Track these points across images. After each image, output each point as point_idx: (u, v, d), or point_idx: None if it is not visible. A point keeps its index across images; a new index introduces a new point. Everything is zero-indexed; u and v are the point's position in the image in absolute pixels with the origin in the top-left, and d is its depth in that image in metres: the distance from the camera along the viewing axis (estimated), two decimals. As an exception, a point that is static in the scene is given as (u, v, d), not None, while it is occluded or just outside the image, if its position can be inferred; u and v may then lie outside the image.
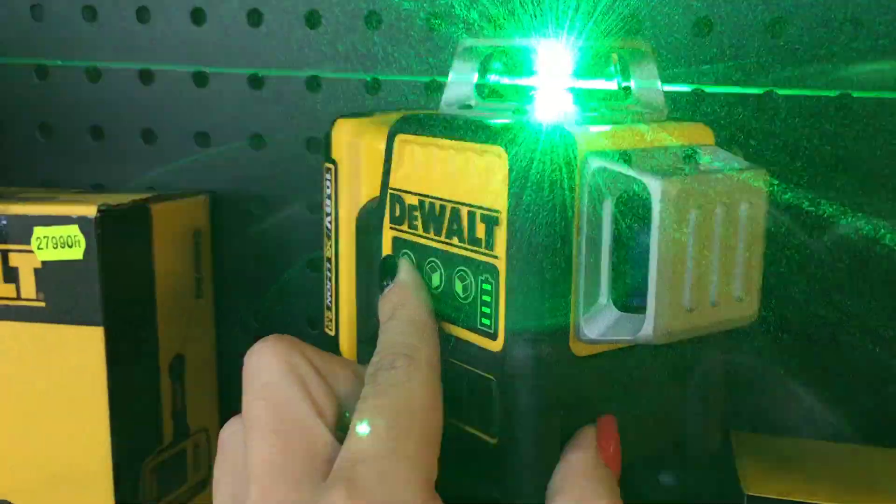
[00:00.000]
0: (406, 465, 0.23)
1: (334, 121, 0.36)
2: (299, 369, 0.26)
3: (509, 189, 0.26)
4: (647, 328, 0.25)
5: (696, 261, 0.25)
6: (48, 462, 0.43)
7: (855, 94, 0.41)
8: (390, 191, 0.32)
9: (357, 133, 0.35)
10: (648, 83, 0.30)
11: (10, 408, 0.43)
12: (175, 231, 0.46)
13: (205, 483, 0.50)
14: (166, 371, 0.46)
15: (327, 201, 0.37)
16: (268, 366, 0.26)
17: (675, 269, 0.25)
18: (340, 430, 0.25)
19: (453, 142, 0.28)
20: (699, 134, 0.29)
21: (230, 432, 0.27)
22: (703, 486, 0.46)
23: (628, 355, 0.28)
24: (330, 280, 0.37)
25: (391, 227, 0.32)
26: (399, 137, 0.31)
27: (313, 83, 0.48)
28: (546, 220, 0.26)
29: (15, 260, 0.42)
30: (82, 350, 0.42)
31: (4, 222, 0.41)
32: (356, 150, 0.35)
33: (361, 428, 0.24)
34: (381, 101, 0.47)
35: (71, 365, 0.42)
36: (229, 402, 0.52)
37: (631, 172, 0.25)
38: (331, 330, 0.37)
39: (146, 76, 0.50)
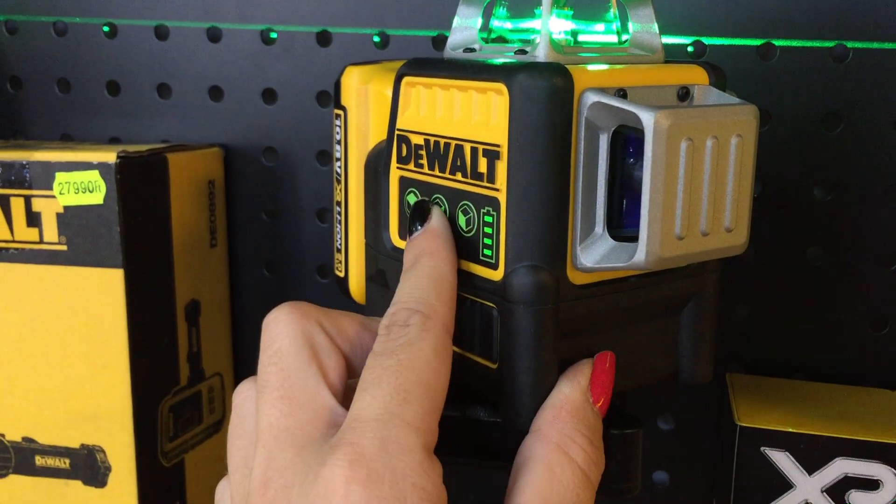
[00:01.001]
0: (407, 431, 0.23)
1: (344, 68, 0.37)
2: (311, 336, 0.27)
3: (509, 124, 0.27)
4: (640, 255, 0.26)
5: (687, 191, 0.26)
6: (70, 400, 0.45)
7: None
8: (397, 132, 0.33)
9: (366, 79, 0.37)
10: (645, 26, 0.31)
11: (33, 348, 0.45)
12: (190, 181, 0.48)
13: (219, 425, 0.52)
14: (182, 315, 0.48)
15: (337, 147, 0.38)
16: (281, 333, 0.27)
17: (667, 199, 0.26)
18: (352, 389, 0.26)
19: (457, 81, 0.30)
20: (694, 75, 0.30)
21: (243, 396, 0.28)
22: (700, 425, 0.48)
23: (625, 287, 0.29)
24: (340, 223, 0.39)
25: (398, 167, 0.33)
26: (405, 80, 0.33)
27: (324, 38, 0.49)
28: (544, 154, 0.27)
29: (38, 205, 0.43)
30: (102, 292, 0.43)
31: (27, 168, 0.43)
32: (365, 96, 0.37)
33: (368, 391, 0.24)
34: (389, 56, 0.49)
35: (92, 306, 0.44)
36: (243, 350, 0.54)
37: (625, 106, 0.26)
38: (340, 272, 0.39)
39: (161, 32, 0.52)
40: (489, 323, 0.29)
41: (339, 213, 0.39)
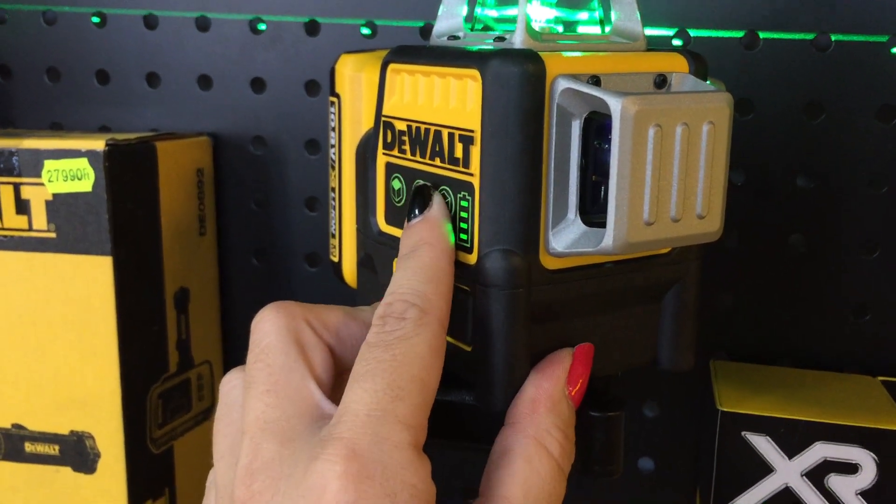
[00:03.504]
0: (399, 428, 0.24)
1: (338, 56, 0.37)
2: (297, 333, 0.27)
3: (482, 110, 0.28)
4: (608, 240, 0.26)
5: (656, 177, 0.27)
6: (59, 387, 0.45)
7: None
8: (383, 118, 0.33)
9: (359, 67, 0.37)
10: (627, 15, 0.31)
11: (23, 335, 0.45)
12: (179, 169, 0.48)
13: (208, 412, 0.52)
14: (171, 302, 0.48)
15: (332, 133, 0.38)
16: (268, 332, 0.27)
17: (634, 185, 0.26)
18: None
19: (436, 68, 0.30)
20: (674, 63, 0.30)
21: (230, 386, 0.28)
22: (685, 413, 0.49)
23: (599, 273, 0.30)
24: (335, 209, 0.39)
25: (384, 153, 0.34)
26: (391, 67, 0.33)
27: (312, 28, 0.50)
28: (516, 139, 0.27)
29: (27, 192, 0.43)
30: (92, 279, 0.44)
31: (16, 156, 0.43)
32: (358, 83, 0.37)
33: (360, 383, 0.24)
34: (377, 45, 0.49)
35: (81, 294, 0.44)
36: (232, 338, 0.54)
37: (594, 92, 0.26)
38: (335, 256, 0.40)
39: (151, 21, 0.52)
40: (464, 306, 0.29)
41: (334, 199, 0.39)
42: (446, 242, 0.28)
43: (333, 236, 0.39)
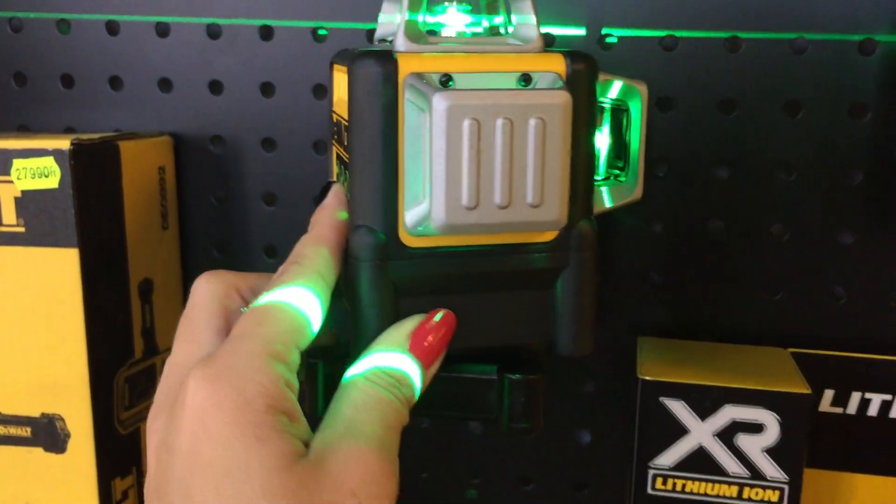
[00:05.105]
0: (256, 342, 0.29)
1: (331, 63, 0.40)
2: (225, 297, 0.33)
3: (349, 102, 0.32)
4: (432, 221, 0.30)
5: (473, 165, 0.30)
6: (31, 372, 0.48)
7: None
8: (332, 114, 0.37)
9: (339, 69, 0.41)
10: (524, 19, 0.34)
11: (-5, 324, 0.48)
12: (141, 167, 0.51)
13: (173, 397, 0.55)
14: (136, 292, 0.51)
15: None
16: (199, 294, 0.33)
17: (451, 172, 0.29)
18: None
19: (342, 67, 0.34)
20: (549, 63, 0.32)
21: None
22: (619, 387, 0.52)
23: (463, 254, 0.33)
24: None
25: (333, 144, 0.37)
26: (334, 67, 0.37)
27: (266, 32, 0.53)
28: (373, 128, 0.31)
29: (-4, 190, 0.46)
30: (60, 270, 0.46)
31: (-14, 156, 0.46)
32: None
33: (239, 321, 0.30)
34: (327, 49, 0.52)
35: (50, 284, 0.47)
36: (195, 326, 0.57)
37: (422, 88, 0.30)
38: None
39: (112, 27, 0.55)
40: (346, 277, 0.33)
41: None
42: (332, 219, 0.34)
43: None
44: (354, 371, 0.31)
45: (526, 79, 0.32)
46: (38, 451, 0.49)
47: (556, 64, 0.32)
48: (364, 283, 0.32)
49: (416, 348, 0.32)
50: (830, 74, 0.46)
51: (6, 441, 0.49)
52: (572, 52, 0.33)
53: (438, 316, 0.33)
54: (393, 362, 0.31)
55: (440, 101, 0.29)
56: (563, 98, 0.30)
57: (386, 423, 0.30)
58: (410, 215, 0.31)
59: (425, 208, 0.31)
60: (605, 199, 0.38)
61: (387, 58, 0.31)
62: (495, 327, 0.34)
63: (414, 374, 0.31)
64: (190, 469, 0.27)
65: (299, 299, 0.31)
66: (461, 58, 0.32)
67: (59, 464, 0.48)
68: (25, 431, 0.48)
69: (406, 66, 0.31)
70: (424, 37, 0.33)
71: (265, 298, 0.31)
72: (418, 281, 0.33)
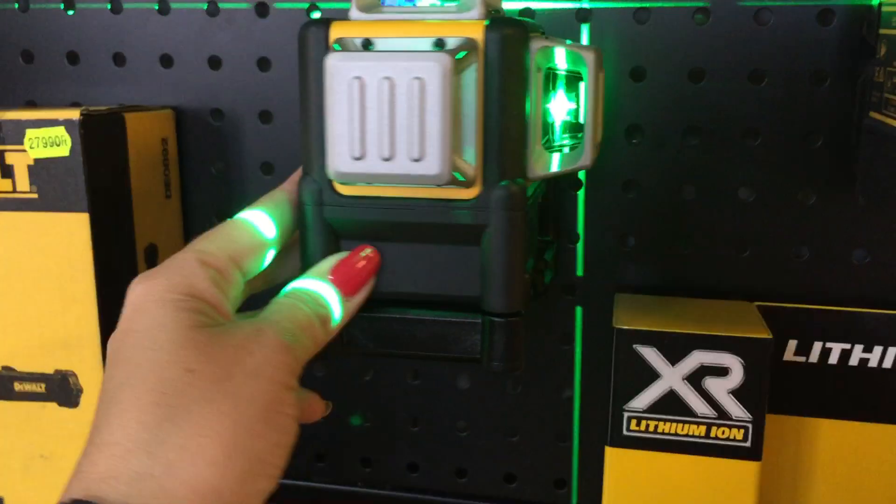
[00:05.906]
0: (192, 252, 0.34)
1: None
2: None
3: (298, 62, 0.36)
4: (327, 168, 0.35)
5: (357, 119, 0.33)
6: (44, 331, 0.51)
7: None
8: None
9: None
10: None
11: (10, 287, 0.51)
12: (145, 138, 0.54)
13: (178, 357, 0.58)
14: (142, 257, 0.54)
15: None
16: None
17: (338, 125, 0.33)
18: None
19: None
20: (468, 29, 0.34)
21: None
22: (602, 344, 0.55)
23: (386, 203, 0.36)
24: None
25: None
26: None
27: (262, 10, 0.56)
28: (309, 87, 0.36)
29: (11, 158, 0.49)
30: (71, 233, 0.49)
31: (1, 126, 0.49)
32: None
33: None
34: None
35: (62, 247, 0.50)
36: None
37: (329, 51, 0.34)
38: None
39: (116, 6, 0.57)
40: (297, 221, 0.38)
41: None
42: (295, 176, 0.39)
43: None
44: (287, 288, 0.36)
45: (440, 43, 0.34)
46: (52, 405, 0.52)
47: (473, 30, 0.34)
48: (306, 223, 0.37)
49: (337, 277, 0.36)
50: (791, 44, 0.49)
51: (22, 397, 0.52)
52: (502, 19, 0.35)
53: (364, 253, 0.37)
54: (310, 286, 0.36)
55: (330, 62, 0.33)
56: (443, 60, 0.32)
57: (294, 321, 0.34)
58: (333, 165, 0.35)
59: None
60: (554, 163, 0.38)
61: (321, 25, 0.35)
62: (425, 277, 0.37)
63: (331, 297, 0.36)
64: (124, 337, 0.32)
65: (249, 216, 0.37)
66: (384, 24, 0.35)
67: (73, 418, 0.52)
68: (40, 387, 0.52)
69: (336, 32, 0.35)
70: (378, 7, 0.36)
71: (210, 232, 0.36)
72: (351, 224, 0.37)
